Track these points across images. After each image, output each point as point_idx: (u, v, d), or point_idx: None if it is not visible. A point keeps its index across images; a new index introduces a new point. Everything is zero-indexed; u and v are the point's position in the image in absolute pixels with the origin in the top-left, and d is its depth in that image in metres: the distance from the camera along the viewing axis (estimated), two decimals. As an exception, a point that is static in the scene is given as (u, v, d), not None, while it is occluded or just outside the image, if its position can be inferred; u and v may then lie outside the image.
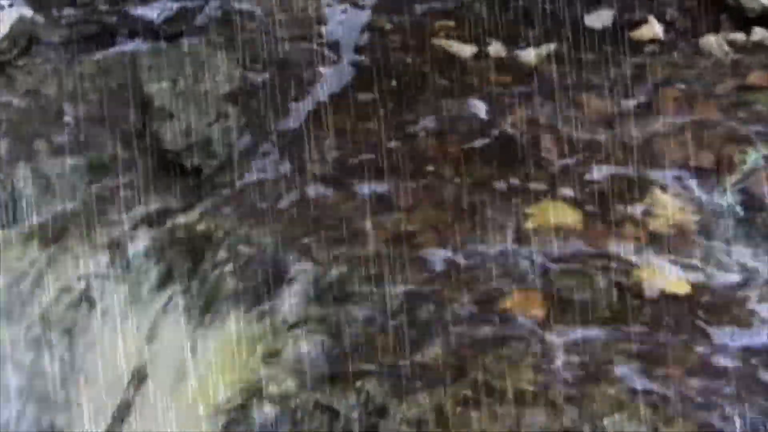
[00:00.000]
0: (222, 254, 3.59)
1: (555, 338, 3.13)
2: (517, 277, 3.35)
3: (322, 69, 4.35)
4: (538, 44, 4.43)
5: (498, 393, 2.97)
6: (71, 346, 3.75)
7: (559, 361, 3.06)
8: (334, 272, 3.38)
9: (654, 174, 3.77)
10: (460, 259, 3.41)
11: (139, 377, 3.51)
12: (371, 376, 3.03)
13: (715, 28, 4.46)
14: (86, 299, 3.76)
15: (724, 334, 3.15)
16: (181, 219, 3.79)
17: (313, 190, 3.74)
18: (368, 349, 3.12)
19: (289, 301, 3.31)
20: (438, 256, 3.42)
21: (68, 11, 4.70)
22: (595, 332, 3.16)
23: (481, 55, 4.42)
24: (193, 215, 3.78)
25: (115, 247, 3.79)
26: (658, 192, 3.67)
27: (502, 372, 3.02)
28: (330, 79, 4.31)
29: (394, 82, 4.26)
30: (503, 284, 3.31)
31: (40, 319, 3.82)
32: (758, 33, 4.41)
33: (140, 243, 3.78)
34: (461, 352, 3.07)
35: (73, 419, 3.74)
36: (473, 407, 2.94)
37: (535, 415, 2.90)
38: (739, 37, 4.41)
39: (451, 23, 4.56)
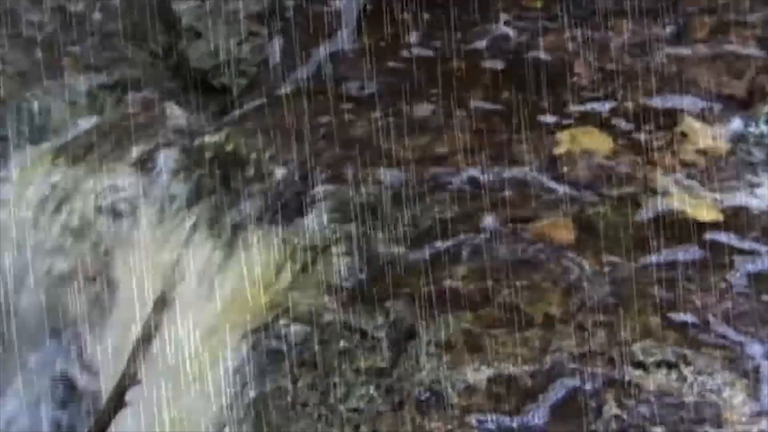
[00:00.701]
0: (250, 173, 3.58)
1: (584, 264, 3.12)
2: (546, 203, 3.33)
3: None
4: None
5: (526, 317, 2.97)
6: (97, 264, 3.77)
7: (588, 286, 3.05)
8: (363, 193, 3.37)
9: (686, 102, 3.74)
10: (490, 183, 3.39)
11: (165, 296, 3.51)
12: (400, 297, 3.03)
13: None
14: (113, 218, 3.75)
15: (753, 261, 3.14)
16: (210, 138, 3.77)
17: (343, 111, 3.71)
18: (397, 270, 3.12)
19: (318, 222, 3.30)
20: (467, 179, 3.40)
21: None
22: (623, 259, 3.14)
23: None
24: (221, 134, 3.76)
25: (143, 165, 3.79)
26: (689, 120, 3.64)
27: (531, 296, 3.02)
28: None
29: (425, 7, 4.21)
30: (532, 209, 3.29)
31: (67, 237, 3.82)
32: (794, -40, 4.35)
33: (168, 162, 3.77)
34: (490, 275, 3.06)
35: (97, 336, 3.77)
36: (501, 330, 2.94)
37: (563, 339, 2.90)
38: (775, -36, 4.35)
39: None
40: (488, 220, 3.25)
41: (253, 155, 3.62)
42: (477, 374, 2.83)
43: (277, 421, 2.92)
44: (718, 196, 3.36)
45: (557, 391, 2.80)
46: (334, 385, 2.90)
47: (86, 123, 4.06)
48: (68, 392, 3.85)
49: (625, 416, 2.71)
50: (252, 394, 3.00)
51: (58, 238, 3.84)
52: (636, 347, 2.87)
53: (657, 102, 3.75)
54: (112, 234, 3.75)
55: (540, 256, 3.14)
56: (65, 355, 3.85)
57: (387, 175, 3.41)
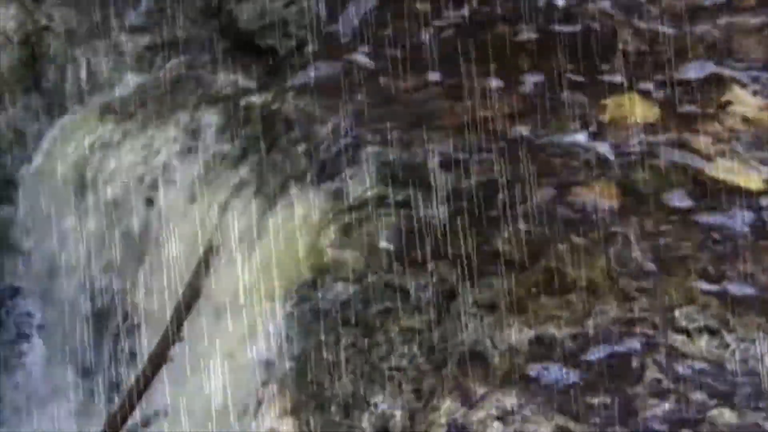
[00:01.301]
0: (295, 134, 3.59)
1: (628, 229, 3.11)
2: (591, 168, 3.32)
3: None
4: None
5: (569, 280, 2.97)
6: (143, 221, 3.79)
7: (632, 252, 3.05)
8: (408, 155, 3.37)
9: (733, 71, 3.71)
10: (536, 147, 3.39)
11: (208, 255, 3.53)
12: (443, 258, 3.04)
13: None
14: (158, 174, 3.77)
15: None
16: (256, 98, 3.79)
17: (389, 73, 3.72)
18: (441, 232, 3.12)
19: (362, 182, 3.30)
20: (512, 143, 3.40)
21: None
22: (668, 225, 3.14)
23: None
24: (267, 95, 3.77)
25: (189, 124, 3.81)
26: (737, 89, 3.62)
27: (574, 260, 3.02)
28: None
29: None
30: (578, 174, 3.29)
31: (111, 192, 3.85)
32: None
33: (214, 121, 3.79)
34: (534, 238, 3.07)
35: (140, 292, 3.80)
36: (544, 294, 2.94)
37: (606, 303, 2.90)
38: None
39: None
40: (533, 184, 3.24)
41: (299, 115, 3.63)
42: (519, 335, 2.84)
43: (319, 378, 2.94)
44: (764, 164, 3.35)
45: (599, 354, 2.80)
46: (377, 343, 2.92)
47: (133, 82, 4.09)
48: (113, 346, 3.89)
49: (665, 381, 2.72)
50: (294, 351, 3.03)
51: (102, 193, 3.87)
52: (679, 313, 2.87)
53: (704, 70, 3.73)
54: (156, 191, 3.77)
55: (584, 220, 3.14)
56: (108, 310, 3.89)
57: (433, 138, 3.41)
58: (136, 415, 3.43)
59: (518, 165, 3.31)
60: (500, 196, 3.21)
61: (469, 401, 2.74)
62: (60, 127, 4.08)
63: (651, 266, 3.01)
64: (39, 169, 4.06)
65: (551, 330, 2.86)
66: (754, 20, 3.93)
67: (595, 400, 2.70)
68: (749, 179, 3.31)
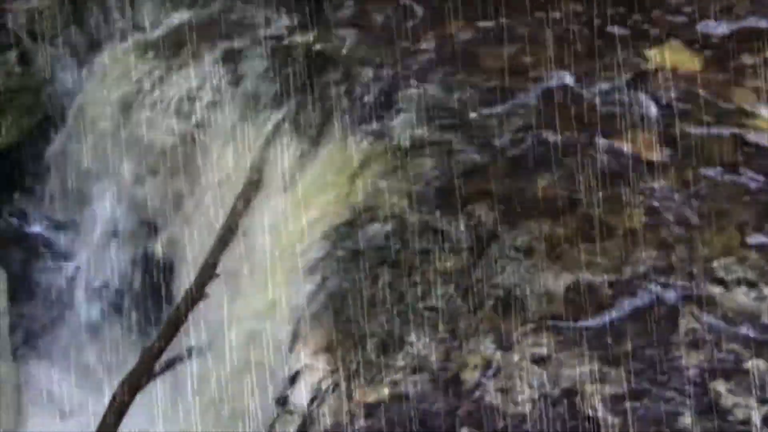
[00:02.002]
0: (338, 74, 3.59)
1: (668, 180, 3.10)
2: (633, 117, 3.31)
3: None
4: None
5: (608, 228, 2.97)
6: (185, 156, 3.80)
7: (671, 202, 3.04)
8: (451, 98, 3.36)
9: (779, 25, 3.69)
10: (578, 93, 3.38)
11: (248, 191, 3.54)
12: (483, 201, 3.04)
13: None
14: (201, 110, 3.78)
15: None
16: (299, 38, 3.78)
17: (434, 18, 3.70)
18: (481, 175, 3.13)
19: (404, 124, 3.30)
20: (555, 90, 3.39)
21: None
22: (710, 177, 3.12)
23: None
24: (310, 34, 3.76)
25: (232, 62, 3.80)
26: (781, 42, 3.59)
27: (613, 208, 3.01)
28: None
29: None
30: (619, 123, 3.27)
31: (152, 126, 3.86)
32: None
33: (257, 59, 3.78)
34: (574, 185, 3.06)
35: (179, 226, 3.82)
36: (583, 240, 2.94)
37: (643, 252, 2.90)
38: None
39: None
40: (575, 131, 3.23)
41: (342, 56, 3.63)
42: (556, 280, 2.84)
43: (354, 316, 2.95)
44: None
45: (635, 302, 2.80)
46: (414, 284, 2.93)
47: (177, 19, 4.08)
48: (150, 281, 3.92)
49: (701, 330, 2.71)
50: (330, 288, 3.04)
51: (144, 129, 3.88)
52: (716, 264, 2.86)
53: (749, 23, 3.70)
54: (198, 128, 3.78)
55: (625, 169, 3.13)
56: (147, 245, 3.92)
57: (476, 81, 3.40)
58: (172, 350, 3.45)
59: (559, 112, 3.30)
60: (540, 141, 3.20)
61: (504, 344, 2.75)
62: (104, 63, 4.08)
63: (691, 217, 3.00)
64: (83, 103, 4.06)
65: (588, 276, 2.86)
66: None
67: (630, 347, 2.70)
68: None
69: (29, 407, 3.86)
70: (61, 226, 4.01)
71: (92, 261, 3.99)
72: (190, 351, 3.45)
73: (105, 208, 3.92)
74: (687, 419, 2.51)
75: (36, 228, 3.97)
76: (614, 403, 2.60)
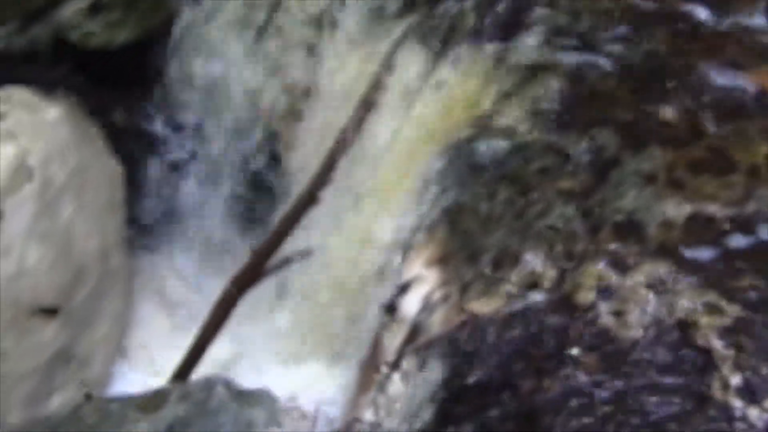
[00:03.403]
0: (467, -11, 3.56)
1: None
2: (765, 51, 3.25)
3: None
4: None
5: (732, 162, 2.93)
6: (304, 68, 3.81)
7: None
8: (578, 23, 3.32)
9: None
10: (710, 26, 3.31)
11: (367, 102, 3.54)
12: (607, 125, 3.01)
13: None
14: (327, 20, 3.77)
15: None
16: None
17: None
18: (607, 99, 3.09)
19: (529, 44, 3.27)
20: (686, 20, 3.33)
21: None
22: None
23: None
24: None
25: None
26: None
27: (739, 142, 2.97)
28: None
29: None
30: (751, 56, 3.21)
31: (276, 40, 3.86)
32: None
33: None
34: (700, 114, 3.02)
35: (295, 136, 3.84)
36: (705, 171, 2.91)
37: (766, 188, 2.86)
38: None
39: None
40: (703, 62, 3.18)
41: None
42: (677, 209, 2.82)
43: (470, 230, 2.95)
44: None
45: (756, 237, 2.77)
46: (532, 202, 2.92)
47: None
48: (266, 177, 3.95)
49: (821, 272, 2.68)
50: (448, 201, 3.04)
51: (265, 39, 3.88)
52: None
53: None
54: (318, 38, 3.78)
55: (754, 104, 3.07)
56: (261, 148, 3.94)
57: (605, 7, 3.34)
58: (283, 251, 3.49)
59: (689, 41, 3.25)
60: (669, 70, 3.15)
61: (620, 268, 2.74)
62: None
63: (817, 156, 2.95)
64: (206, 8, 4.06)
65: (709, 208, 2.82)
66: None
67: (747, 282, 2.68)
68: None
69: (139, 298, 3.93)
70: (179, 126, 4.05)
71: (207, 160, 4.03)
72: (300, 253, 3.49)
73: (223, 112, 3.94)
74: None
75: (155, 126, 4.01)
76: (727, 336, 2.58)
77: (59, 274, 3.42)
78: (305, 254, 3.46)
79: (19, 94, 3.59)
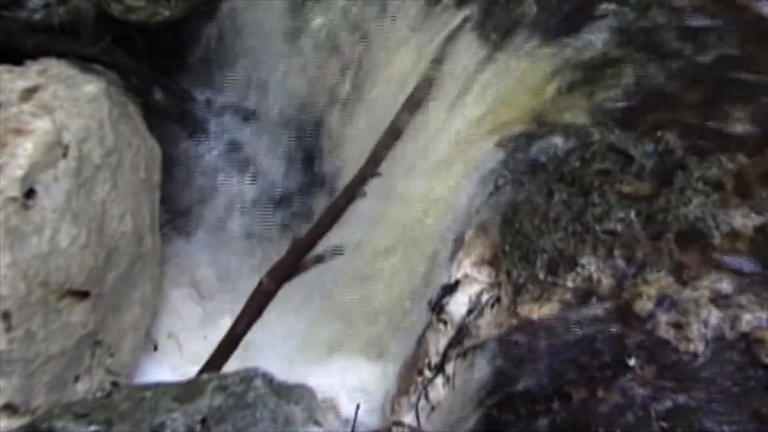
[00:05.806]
0: (530, -20, 3.43)
1: None
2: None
3: None
4: None
5: (803, 173, 2.80)
6: (355, 54, 3.69)
7: None
8: (647, 20, 3.19)
9: None
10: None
11: (419, 94, 3.42)
12: (673, 128, 2.88)
13: None
14: (377, 9, 3.65)
15: None
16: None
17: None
18: (674, 101, 2.96)
19: (596, 40, 3.14)
20: (757, 20, 3.20)
21: None
22: None
23: None
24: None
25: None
26: None
27: (811, 153, 2.84)
28: None
29: None
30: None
31: (326, 24, 3.75)
32: None
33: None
34: (771, 122, 2.89)
35: (345, 124, 3.72)
36: (775, 181, 2.78)
37: (839, 203, 2.73)
38: None
39: None
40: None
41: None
42: (744, 220, 2.68)
43: (525, 231, 2.82)
44: None
45: (826, 254, 2.64)
46: (592, 204, 2.79)
47: None
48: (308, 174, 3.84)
49: None
50: (503, 199, 2.91)
51: (313, 22, 3.77)
52: None
53: None
54: (371, 24, 3.65)
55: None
56: (308, 137, 3.83)
57: (674, 5, 3.21)
58: (325, 243, 3.36)
59: (764, 47, 3.11)
60: (740, 75, 3.02)
61: (683, 278, 2.61)
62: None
63: None
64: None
65: (778, 220, 2.69)
66: None
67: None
68: None
69: (169, 286, 3.82)
70: (221, 109, 3.93)
71: (248, 147, 3.92)
72: (342, 248, 3.36)
73: (268, 97, 3.83)
74: None
75: (195, 107, 3.89)
76: (794, 355, 2.46)
77: (91, 256, 3.30)
78: (348, 249, 3.33)
79: (57, 67, 3.46)
